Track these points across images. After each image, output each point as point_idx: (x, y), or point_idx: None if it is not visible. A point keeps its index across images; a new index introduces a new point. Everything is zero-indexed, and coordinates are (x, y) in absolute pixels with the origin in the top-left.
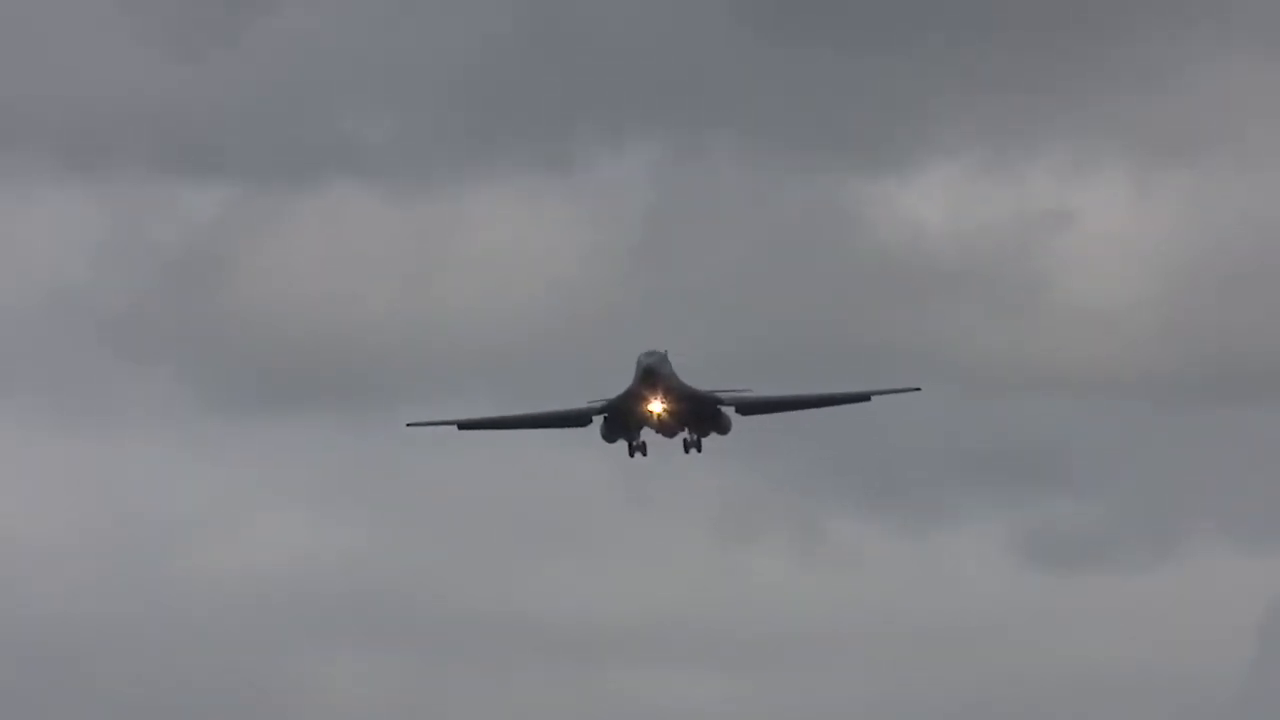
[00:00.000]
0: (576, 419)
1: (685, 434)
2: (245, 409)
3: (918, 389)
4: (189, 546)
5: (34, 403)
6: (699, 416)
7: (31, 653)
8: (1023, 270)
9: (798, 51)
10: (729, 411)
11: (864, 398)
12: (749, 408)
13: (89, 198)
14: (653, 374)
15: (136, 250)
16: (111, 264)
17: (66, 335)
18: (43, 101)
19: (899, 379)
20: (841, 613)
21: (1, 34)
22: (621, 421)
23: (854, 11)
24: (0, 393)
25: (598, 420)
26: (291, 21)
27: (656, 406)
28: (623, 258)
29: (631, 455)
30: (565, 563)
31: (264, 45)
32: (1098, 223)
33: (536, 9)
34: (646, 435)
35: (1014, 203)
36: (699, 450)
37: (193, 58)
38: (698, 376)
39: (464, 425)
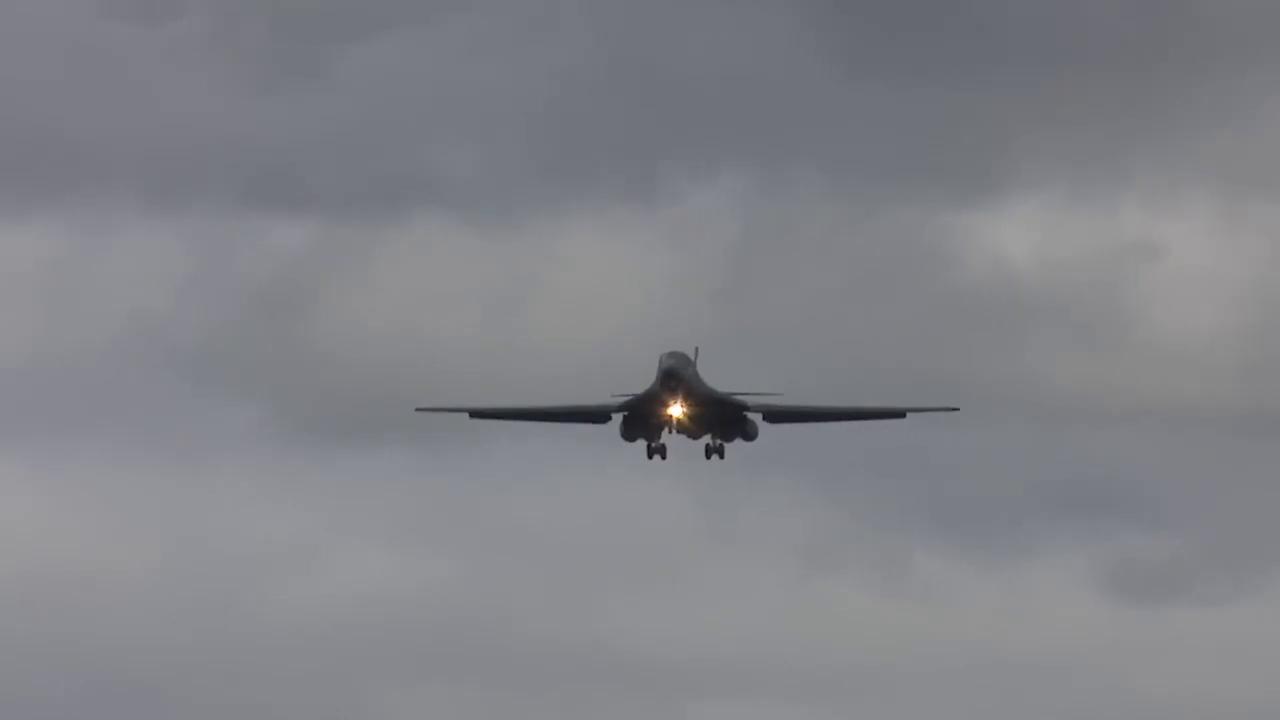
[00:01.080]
0: (596, 415)
1: (708, 439)
2: (329, 441)
3: (956, 408)
4: (272, 579)
5: (118, 436)
6: (723, 422)
7: (114, 685)
8: (1108, 302)
9: (883, 83)
10: (755, 418)
11: (899, 414)
12: (777, 415)
13: (174, 231)
14: (673, 376)
15: (221, 284)
16: (196, 297)
17: (151, 368)
18: (127, 135)
19: (982, 410)
20: (921, 645)
21: (87, 69)
22: (641, 422)
23: (939, 44)
24: (86, 426)
25: (617, 418)
26: (376, 54)
27: (676, 410)
28: (707, 290)
29: (650, 457)
30: (644, 594)
31: (349, 78)
32: (1185, 255)
33: (622, 41)
34: (668, 437)
35: (1100, 235)
36: (721, 457)
37: (277, 90)
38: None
39: (476, 413)
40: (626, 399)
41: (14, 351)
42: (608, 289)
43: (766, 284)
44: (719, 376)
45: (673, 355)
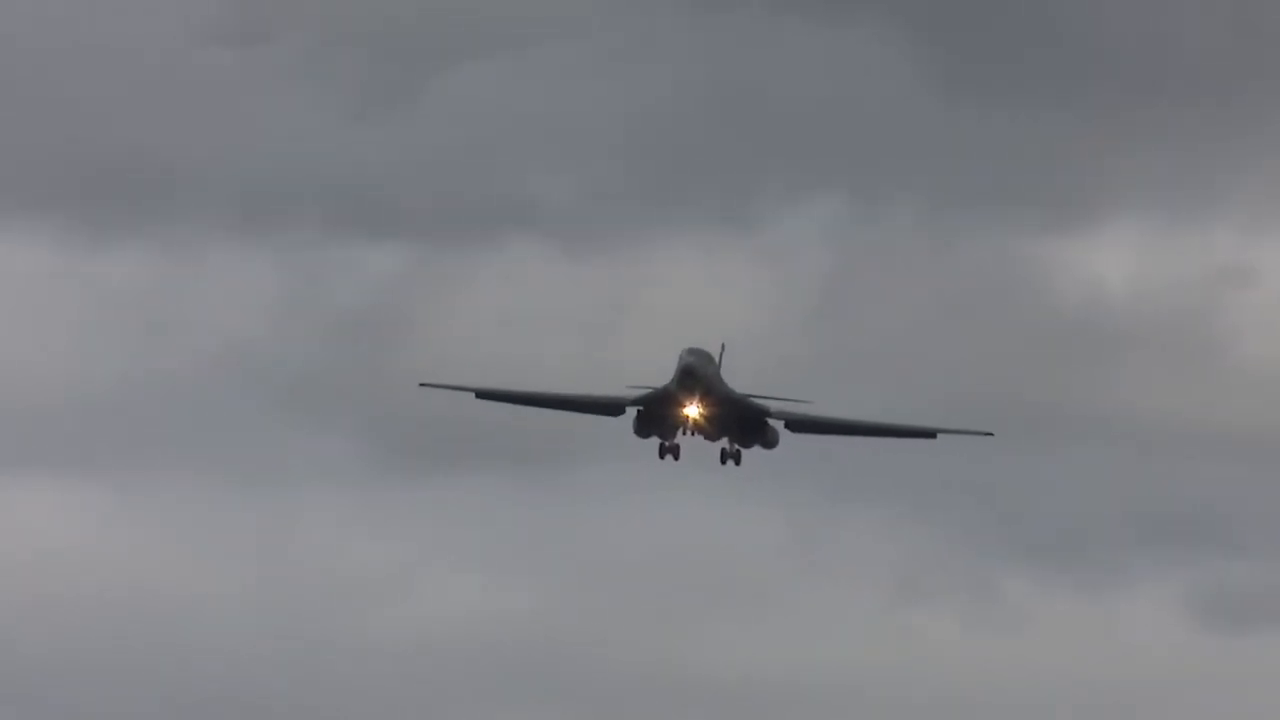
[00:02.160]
0: (609, 407)
1: (725, 443)
2: (422, 468)
3: (990, 434)
4: (364, 606)
5: (211, 463)
6: (741, 426)
7: (207, 715)
8: (1203, 327)
9: (977, 109)
10: (777, 425)
11: (929, 434)
12: (800, 424)
13: (267, 257)
14: (692, 375)
15: (315, 310)
16: (289, 324)
17: (244, 396)
18: (220, 162)
19: (1075, 438)
20: (1012, 674)
21: (179, 96)
22: (656, 419)
23: (1034, 69)
24: (178, 453)
25: (631, 412)
26: (471, 80)
27: (693, 410)
28: (799, 314)
29: (661, 456)
30: (733, 620)
31: (444, 103)
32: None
33: (716, 66)
34: (683, 438)
35: (1194, 261)
36: (737, 463)
37: (372, 116)
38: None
39: (483, 394)
40: (643, 393)
41: (107, 378)
42: (701, 313)
43: (858, 308)
44: (805, 396)
45: (693, 352)
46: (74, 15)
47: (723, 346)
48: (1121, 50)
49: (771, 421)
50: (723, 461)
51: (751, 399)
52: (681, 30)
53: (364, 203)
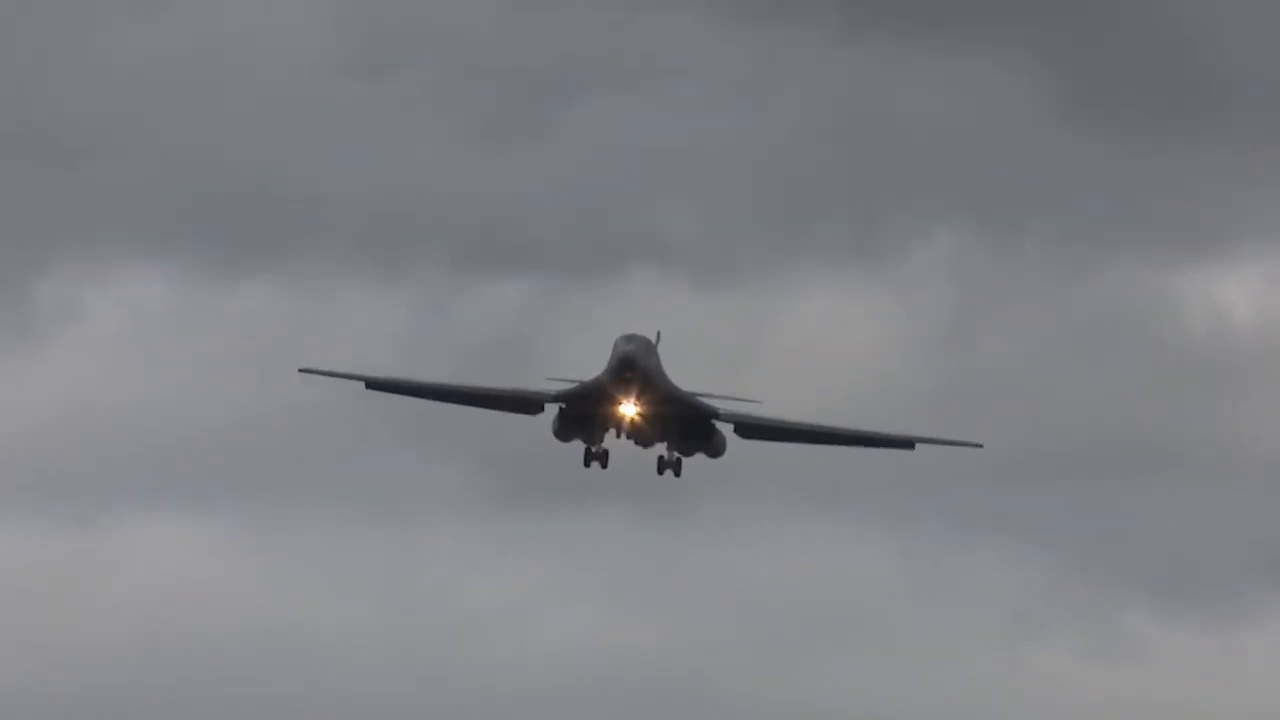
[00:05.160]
0: (524, 403)
1: (663, 449)
2: (545, 502)
3: (979, 445)
4: (490, 640)
5: (342, 497)
6: (685, 430)
7: None
8: None
9: (1106, 138)
10: (725, 429)
11: (907, 444)
12: (751, 429)
13: (393, 289)
14: (631, 365)
15: (442, 342)
16: (417, 356)
17: (371, 427)
18: (349, 194)
19: (1202, 470)
20: (1129, 712)
21: (307, 128)
22: (581, 419)
23: (1161, 97)
24: (308, 488)
25: (552, 410)
26: (599, 112)
27: (629, 409)
28: (932, 346)
29: (587, 464)
30: (856, 656)
31: (569, 136)
32: None
33: (843, 97)
34: (611, 441)
35: None
36: (677, 474)
37: (500, 148)
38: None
39: (373, 384)
40: (566, 387)
41: (230, 410)
42: (831, 345)
43: (985, 339)
44: (930, 427)
45: (630, 339)
46: (204, 48)
47: (658, 334)
48: (1251, 79)
49: (719, 425)
50: (659, 471)
51: (698, 397)
52: (808, 62)
53: (493, 235)
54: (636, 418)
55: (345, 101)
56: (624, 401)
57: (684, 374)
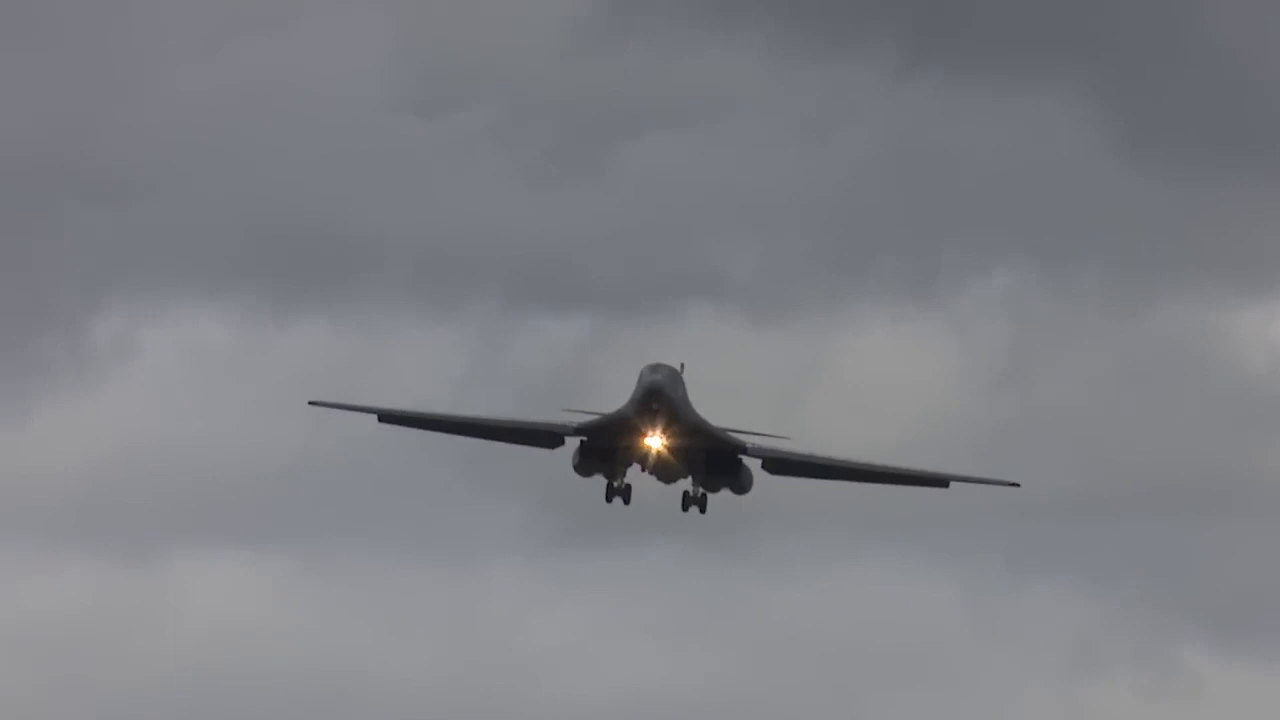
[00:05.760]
0: (543, 437)
1: (688, 484)
2: (596, 540)
3: (1016, 484)
4: (541, 679)
5: (388, 536)
6: (711, 464)
7: None
8: None
9: (1164, 175)
10: (752, 465)
11: (942, 483)
12: (780, 464)
13: (449, 328)
14: (658, 396)
15: (498, 380)
16: (472, 394)
17: (423, 466)
18: (405, 232)
19: (1260, 507)
20: None
21: (365, 165)
22: (603, 453)
23: (1218, 134)
24: (359, 527)
25: (572, 443)
26: (656, 150)
27: (655, 441)
28: (985, 383)
29: (609, 500)
30: (915, 694)
31: (625, 173)
32: None
33: (901, 135)
34: (635, 475)
35: None
36: (702, 510)
37: (557, 186)
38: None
39: (386, 417)
40: (588, 420)
41: (283, 450)
42: (888, 382)
43: (1043, 377)
44: (988, 467)
45: (657, 369)
46: (261, 87)
47: (681, 365)
48: None
49: (746, 460)
50: (684, 508)
51: (726, 431)
52: (865, 99)
53: (549, 272)
54: (662, 450)
55: (402, 140)
56: (649, 433)
57: (727, 409)
